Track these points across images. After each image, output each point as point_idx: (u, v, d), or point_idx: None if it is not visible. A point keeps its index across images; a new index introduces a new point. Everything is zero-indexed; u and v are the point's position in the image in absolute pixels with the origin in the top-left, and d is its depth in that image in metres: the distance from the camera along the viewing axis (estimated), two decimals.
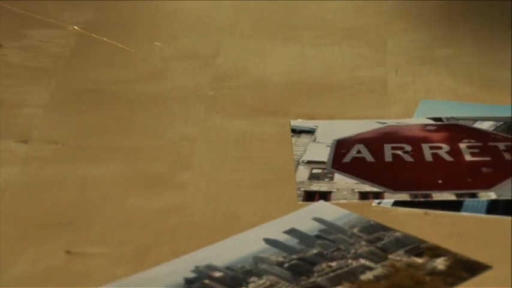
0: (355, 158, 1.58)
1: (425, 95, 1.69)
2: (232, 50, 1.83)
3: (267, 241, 1.36)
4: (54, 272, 1.33)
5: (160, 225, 1.42)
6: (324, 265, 1.31)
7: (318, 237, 1.37)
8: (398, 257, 1.33)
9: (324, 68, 1.78)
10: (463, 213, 1.42)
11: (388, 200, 1.46)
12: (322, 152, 1.59)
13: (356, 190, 1.49)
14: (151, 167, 1.55)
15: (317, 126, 1.65)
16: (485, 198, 1.44)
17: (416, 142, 1.60)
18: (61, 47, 1.83)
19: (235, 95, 1.70)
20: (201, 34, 1.90)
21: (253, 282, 1.28)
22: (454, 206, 1.43)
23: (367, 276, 1.29)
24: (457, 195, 1.45)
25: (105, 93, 1.71)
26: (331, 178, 1.53)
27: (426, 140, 1.61)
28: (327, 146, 1.61)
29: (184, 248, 1.36)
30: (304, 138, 1.63)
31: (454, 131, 1.63)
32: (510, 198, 1.44)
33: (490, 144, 1.58)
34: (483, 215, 1.41)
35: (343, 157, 1.58)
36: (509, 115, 1.62)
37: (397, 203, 1.45)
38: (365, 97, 1.69)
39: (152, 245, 1.37)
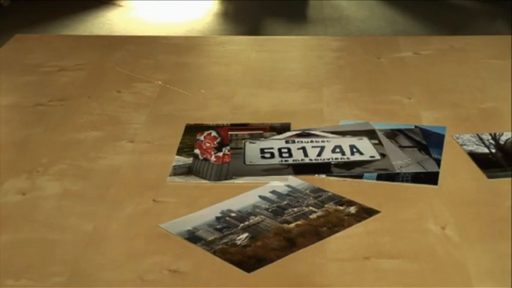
0: None
1: (343, 117, 1.66)
2: (241, 94, 1.81)
3: (260, 197, 1.34)
4: (146, 211, 1.31)
5: (203, 187, 1.38)
6: (290, 210, 1.29)
7: (287, 195, 1.34)
8: (330, 206, 1.30)
9: (289, 103, 1.75)
10: (364, 180, 1.39)
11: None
12: None
13: None
14: None
15: None
16: (376, 173, 1.40)
17: None
18: (151, 92, 1.82)
19: (243, 118, 1.68)
20: (225, 85, 1.88)
21: (252, 219, 1.26)
22: (359, 176, 1.39)
23: (313, 216, 1.27)
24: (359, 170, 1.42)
25: (174, 117, 1.68)
26: None
27: None
28: None
29: (216, 199, 1.33)
30: None
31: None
32: (390, 172, 1.39)
33: None
34: (375, 181, 1.38)
35: None
36: (388, 128, 1.58)
37: (328, 175, 1.40)
38: (311, 119, 1.66)
39: (198, 198, 1.34)
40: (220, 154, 1.50)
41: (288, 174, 1.41)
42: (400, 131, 1.58)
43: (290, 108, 1.72)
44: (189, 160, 1.47)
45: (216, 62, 2.05)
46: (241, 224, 1.24)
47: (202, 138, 1.57)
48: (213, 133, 1.59)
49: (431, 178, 1.39)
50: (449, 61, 2.01)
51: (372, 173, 1.41)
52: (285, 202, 1.31)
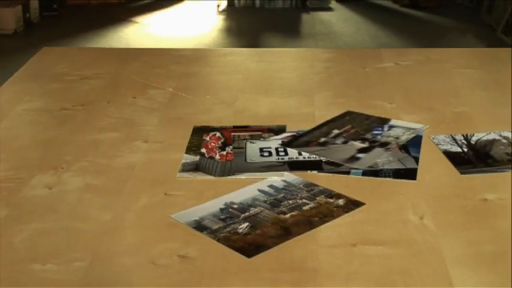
0: None
1: None
2: (242, 99, 1.80)
3: (259, 190, 1.33)
4: (158, 203, 1.30)
5: (208, 181, 1.37)
6: (285, 202, 1.28)
7: (283, 189, 1.33)
8: (321, 198, 1.28)
9: (285, 108, 1.74)
10: (351, 176, 1.37)
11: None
12: None
13: None
14: None
15: None
16: (361, 169, 1.38)
17: None
18: (163, 98, 1.81)
19: (244, 121, 1.67)
20: (228, 92, 1.87)
21: (252, 210, 1.25)
22: (347, 172, 1.38)
23: (306, 207, 1.26)
24: (347, 166, 1.40)
25: (183, 120, 1.68)
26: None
27: None
28: None
29: (220, 193, 1.32)
30: None
31: None
32: (374, 168, 1.38)
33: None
34: (360, 177, 1.36)
35: None
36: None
37: (319, 171, 1.39)
38: (304, 121, 1.65)
39: (204, 191, 1.33)
40: (224, 153, 1.49)
41: (284, 170, 1.40)
42: None
43: (285, 112, 1.71)
44: (196, 158, 1.46)
45: (219, 71, 2.04)
46: (242, 215, 1.23)
47: (208, 138, 1.55)
48: (218, 134, 1.57)
49: (410, 174, 1.37)
50: (426, 70, 2.00)
51: (358, 169, 1.40)
52: (281, 195, 1.30)
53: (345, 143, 1.50)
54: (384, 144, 1.49)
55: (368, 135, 1.54)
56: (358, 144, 1.50)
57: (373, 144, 1.49)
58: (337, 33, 5.44)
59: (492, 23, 5.32)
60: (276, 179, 1.36)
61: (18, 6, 5.31)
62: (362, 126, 1.58)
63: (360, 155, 1.44)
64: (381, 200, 1.29)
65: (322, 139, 1.51)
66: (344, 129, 1.56)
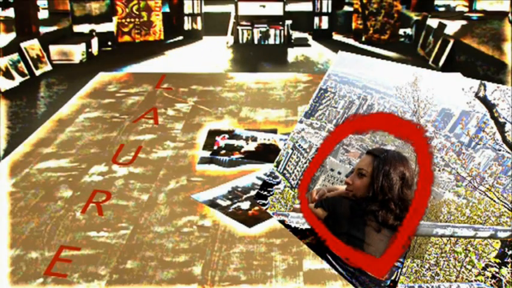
0: None
1: None
2: (245, 111, 1.78)
3: (257, 177, 1.30)
4: (183, 187, 1.27)
5: (219, 171, 1.34)
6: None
7: None
8: None
9: (276, 116, 1.72)
10: None
11: None
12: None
13: None
14: None
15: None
16: None
17: None
18: (186, 109, 1.79)
19: (246, 126, 1.64)
20: (234, 104, 1.84)
21: (251, 192, 1.23)
22: None
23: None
24: None
25: (201, 125, 1.65)
26: None
27: None
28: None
29: (228, 179, 1.29)
30: None
31: None
32: None
33: None
34: None
35: None
36: None
37: None
38: (290, 126, 1.62)
39: (216, 178, 1.30)
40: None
41: None
42: None
43: (276, 119, 1.68)
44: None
45: (228, 89, 2.01)
46: (245, 196, 1.21)
47: (219, 139, 1.53)
48: (226, 136, 1.55)
49: None
50: None
51: None
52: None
53: None
54: None
55: None
56: None
57: None
58: (314, 62, 5.42)
59: (425, 56, 5.31)
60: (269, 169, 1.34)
61: (83, 44, 5.32)
62: None
63: None
64: None
65: None
66: None
